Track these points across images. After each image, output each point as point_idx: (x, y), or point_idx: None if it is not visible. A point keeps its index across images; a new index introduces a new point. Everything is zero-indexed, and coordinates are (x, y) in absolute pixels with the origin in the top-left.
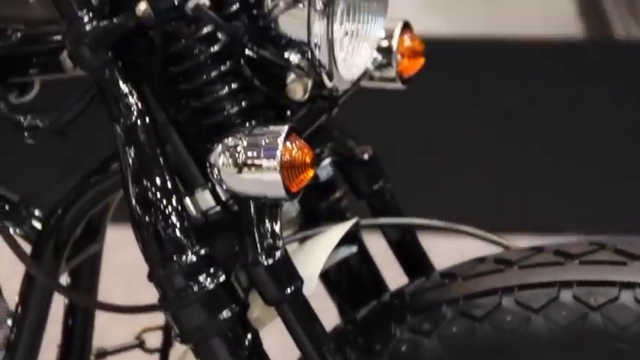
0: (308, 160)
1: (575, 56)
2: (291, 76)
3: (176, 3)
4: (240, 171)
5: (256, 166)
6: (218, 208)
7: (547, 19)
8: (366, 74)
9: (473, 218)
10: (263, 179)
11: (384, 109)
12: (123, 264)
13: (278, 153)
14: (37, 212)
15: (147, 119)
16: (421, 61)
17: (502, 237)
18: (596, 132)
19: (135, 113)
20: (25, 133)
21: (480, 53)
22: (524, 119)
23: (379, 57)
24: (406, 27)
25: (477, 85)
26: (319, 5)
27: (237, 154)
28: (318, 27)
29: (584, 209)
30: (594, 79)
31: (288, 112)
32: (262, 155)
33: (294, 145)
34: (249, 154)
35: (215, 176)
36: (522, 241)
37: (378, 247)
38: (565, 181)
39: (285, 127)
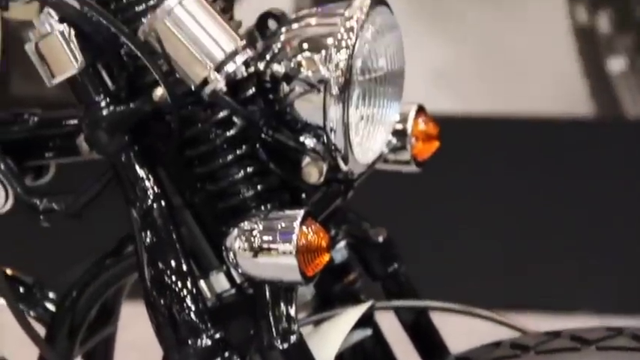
0: (324, 244)
1: (585, 135)
2: (307, 160)
3: (192, 88)
4: (256, 255)
5: (272, 250)
6: (233, 291)
7: (557, 97)
8: (380, 157)
9: (486, 297)
10: (279, 263)
11: (394, 189)
12: (134, 342)
13: (294, 237)
14: (51, 294)
15: (162, 203)
16: (436, 144)
17: (512, 317)
18: (606, 211)
19: (151, 197)
20: (41, 216)
21: (489, 130)
22: (535, 197)
23: (393, 140)
24: (420, 110)
25: (485, 162)
26: (335, 90)
27: (253, 239)
28: (334, 111)
29: (597, 289)
30: (604, 158)
31: (304, 195)
32: (278, 239)
33: (310, 229)
34: (265, 238)
35: (231, 260)
36: (533, 320)
37: (390, 326)
38: (575, 261)
39: (301, 212)
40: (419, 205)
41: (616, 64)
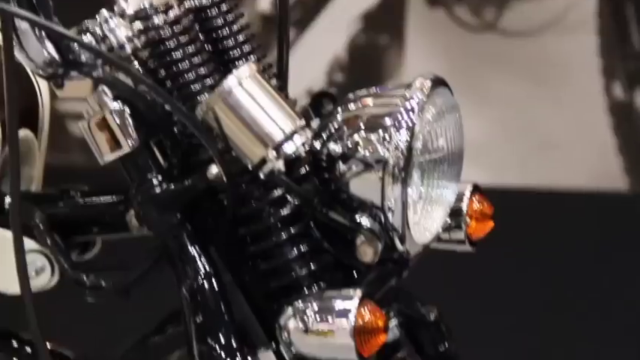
0: (381, 324)
1: (621, 209)
2: (362, 239)
3: (250, 168)
4: (311, 335)
5: (328, 330)
6: None
7: (593, 172)
8: (435, 236)
9: None
10: (335, 344)
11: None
12: None
13: (351, 318)
14: None
15: (213, 281)
16: (490, 224)
17: None
18: None
19: (202, 276)
20: (87, 292)
21: (524, 204)
22: (571, 271)
23: (448, 219)
24: (476, 190)
25: (520, 235)
26: (394, 170)
27: (308, 318)
28: (393, 191)
29: None
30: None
31: (356, 275)
32: (335, 320)
33: (367, 309)
34: (321, 318)
35: (284, 338)
36: None
37: None
38: (610, 340)
39: (359, 292)
40: (446, 281)
41: None
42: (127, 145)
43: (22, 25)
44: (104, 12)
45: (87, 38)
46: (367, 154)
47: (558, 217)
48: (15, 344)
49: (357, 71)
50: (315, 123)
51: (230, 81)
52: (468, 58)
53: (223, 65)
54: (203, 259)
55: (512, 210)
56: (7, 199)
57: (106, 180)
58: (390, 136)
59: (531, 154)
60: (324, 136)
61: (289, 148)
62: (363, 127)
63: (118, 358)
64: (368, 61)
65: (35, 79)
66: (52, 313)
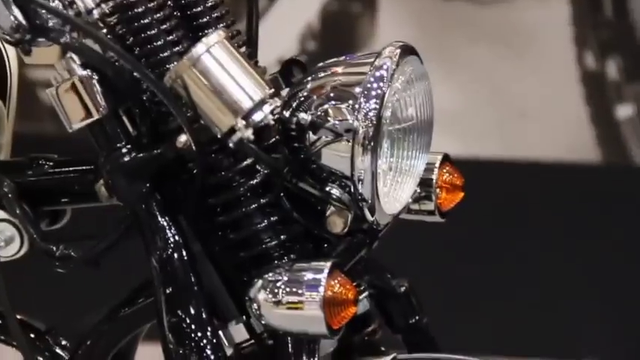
0: (351, 296)
1: (591, 181)
2: (331, 209)
3: (218, 136)
4: (281, 307)
5: (298, 302)
6: (252, 342)
7: (563, 143)
8: (405, 207)
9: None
10: (305, 316)
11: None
12: None
13: (321, 290)
14: (64, 342)
15: (183, 252)
16: (460, 194)
17: None
18: (611, 258)
19: (171, 246)
20: (57, 263)
21: (495, 175)
22: (540, 244)
23: (417, 189)
24: (446, 160)
25: (489, 207)
26: (364, 140)
27: (278, 290)
28: (362, 161)
29: (601, 338)
30: (610, 205)
31: (326, 246)
32: (305, 292)
33: (336, 281)
34: (291, 290)
35: (254, 311)
36: None
37: None
38: (579, 308)
39: (328, 263)
40: (419, 251)
41: (624, 111)
42: (95, 113)
43: None
44: None
45: (54, 3)
46: (336, 123)
47: (530, 188)
48: None
49: (328, 39)
50: (285, 92)
51: (199, 48)
52: (442, 26)
53: (192, 32)
54: (172, 229)
55: (483, 180)
56: None
57: (76, 149)
58: (360, 105)
59: (503, 123)
60: (294, 104)
61: (258, 117)
62: (332, 95)
63: (88, 330)
64: (340, 29)
65: (3, 46)
66: (23, 284)
